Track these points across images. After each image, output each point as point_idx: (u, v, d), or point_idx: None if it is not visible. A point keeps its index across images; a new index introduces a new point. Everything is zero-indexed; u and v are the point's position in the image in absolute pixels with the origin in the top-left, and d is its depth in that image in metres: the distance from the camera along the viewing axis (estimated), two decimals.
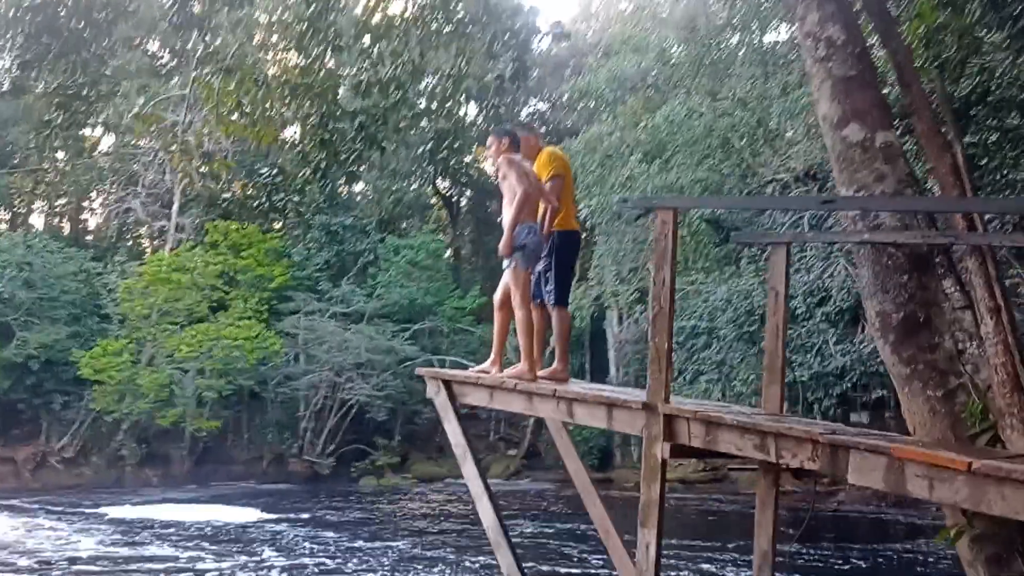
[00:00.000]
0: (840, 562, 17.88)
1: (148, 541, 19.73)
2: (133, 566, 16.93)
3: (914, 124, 6.05)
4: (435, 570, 16.91)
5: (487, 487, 5.69)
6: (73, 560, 17.21)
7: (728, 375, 20.45)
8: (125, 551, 18.53)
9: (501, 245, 5.55)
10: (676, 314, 5.38)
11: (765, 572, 5.10)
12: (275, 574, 16.27)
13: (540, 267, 5.88)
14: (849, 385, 19.82)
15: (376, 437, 32.91)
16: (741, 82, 21.42)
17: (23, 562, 16.54)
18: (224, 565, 17.03)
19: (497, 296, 6.03)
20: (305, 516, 23.93)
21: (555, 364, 5.98)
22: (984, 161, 8.88)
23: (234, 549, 18.92)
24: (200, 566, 17.07)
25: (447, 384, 6.00)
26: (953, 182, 5.62)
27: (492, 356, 6.15)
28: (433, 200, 43.91)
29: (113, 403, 28.60)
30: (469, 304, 35.44)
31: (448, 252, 41.38)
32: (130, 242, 37.16)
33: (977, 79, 8.40)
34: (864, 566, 17.69)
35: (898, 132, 5.88)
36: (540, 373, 5.83)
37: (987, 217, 6.34)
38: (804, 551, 18.43)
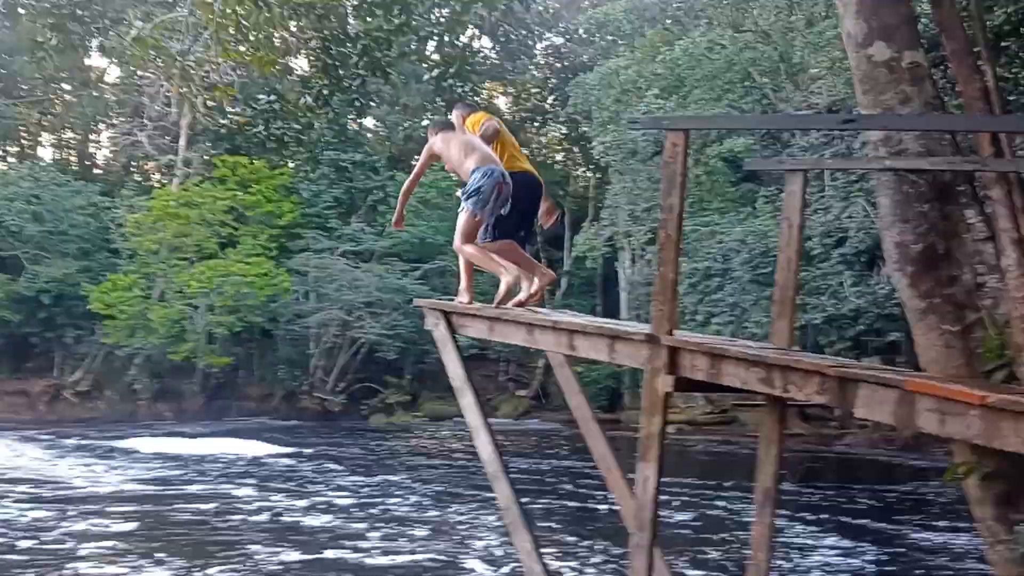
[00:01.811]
0: (844, 501, 17.91)
1: (162, 473, 19.98)
2: (147, 496, 17.15)
3: (943, 44, 5.70)
4: (441, 504, 17.00)
5: (485, 420, 5.55)
6: (90, 492, 17.45)
7: (741, 318, 20.21)
8: (139, 483, 18.79)
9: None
10: (689, 255, 5.19)
11: (767, 510, 4.90)
12: (285, 505, 16.40)
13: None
14: (863, 327, 19.54)
15: (386, 376, 33.03)
16: (765, 13, 20.71)
17: (45, 492, 16.75)
18: (236, 495, 17.25)
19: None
20: (315, 451, 24.13)
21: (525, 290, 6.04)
22: (1012, 98, 8.48)
23: (246, 481, 19.12)
24: (212, 497, 17.26)
25: (446, 316, 5.80)
26: (982, 108, 5.30)
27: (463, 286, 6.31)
28: None
29: (125, 338, 28.75)
30: None
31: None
32: (138, 176, 36.97)
33: (1012, 7, 7.96)
34: (868, 506, 17.70)
35: (926, 52, 5.53)
36: (515, 300, 5.95)
37: (1017, 142, 5.99)
38: (807, 491, 18.44)
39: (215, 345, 30.15)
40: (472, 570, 12.36)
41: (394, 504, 16.94)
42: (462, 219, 5.96)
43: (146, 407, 30.53)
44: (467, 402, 5.61)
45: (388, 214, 34.03)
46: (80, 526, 13.96)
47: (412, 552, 13.11)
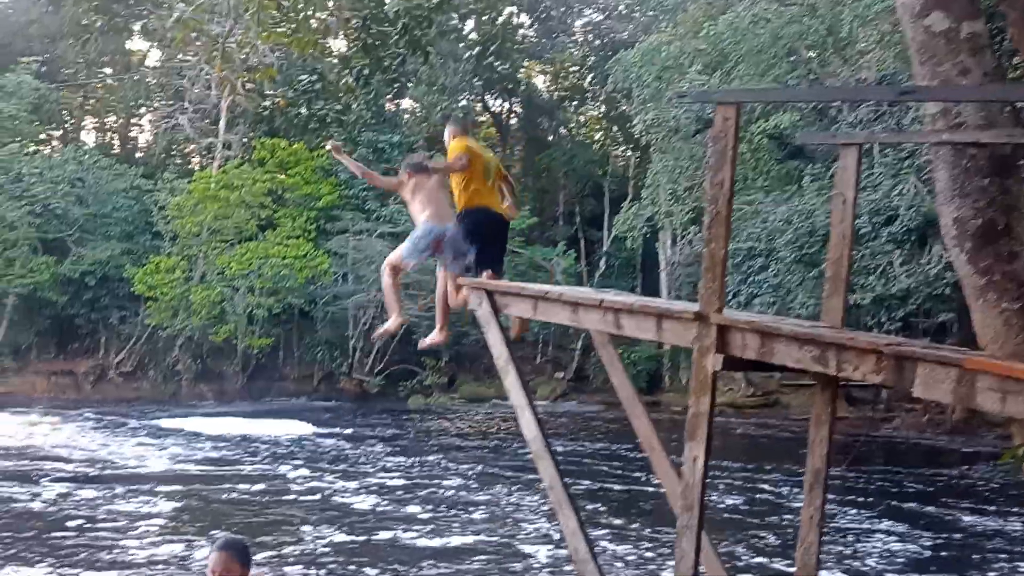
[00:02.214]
0: (892, 486, 17.62)
1: (208, 453, 20.26)
2: (195, 477, 17.38)
3: (1003, 13, 5.48)
4: (486, 485, 17.02)
5: (529, 399, 5.49)
6: (138, 471, 17.74)
7: (785, 299, 19.86)
8: (186, 463, 19.04)
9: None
10: (732, 236, 5.02)
11: (817, 492, 4.77)
12: (332, 486, 16.48)
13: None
14: (912, 308, 19.09)
15: (424, 357, 33.12)
16: None
17: (93, 472, 17.02)
18: (284, 475, 17.41)
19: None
20: (355, 432, 24.32)
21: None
22: None
23: (292, 462, 19.31)
24: (259, 477, 17.46)
25: (489, 295, 5.75)
26: None
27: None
28: (482, 117, 43.10)
29: (167, 319, 29.17)
30: (518, 224, 34.95)
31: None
32: (179, 159, 37.38)
33: None
34: (917, 491, 17.40)
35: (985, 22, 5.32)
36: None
37: None
38: (855, 476, 18.18)
39: (255, 326, 30.48)
40: (524, 551, 12.34)
41: (440, 485, 16.93)
42: (395, 253, 6.76)
43: (188, 388, 30.99)
44: (511, 381, 5.55)
45: None
46: (129, 506, 14.07)
47: (463, 533, 13.04)
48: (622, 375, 5.82)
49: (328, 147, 7.44)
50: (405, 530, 13.10)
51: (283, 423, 24.95)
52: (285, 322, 32.02)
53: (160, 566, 10.82)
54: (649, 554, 12.58)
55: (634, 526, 14.25)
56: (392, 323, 6.85)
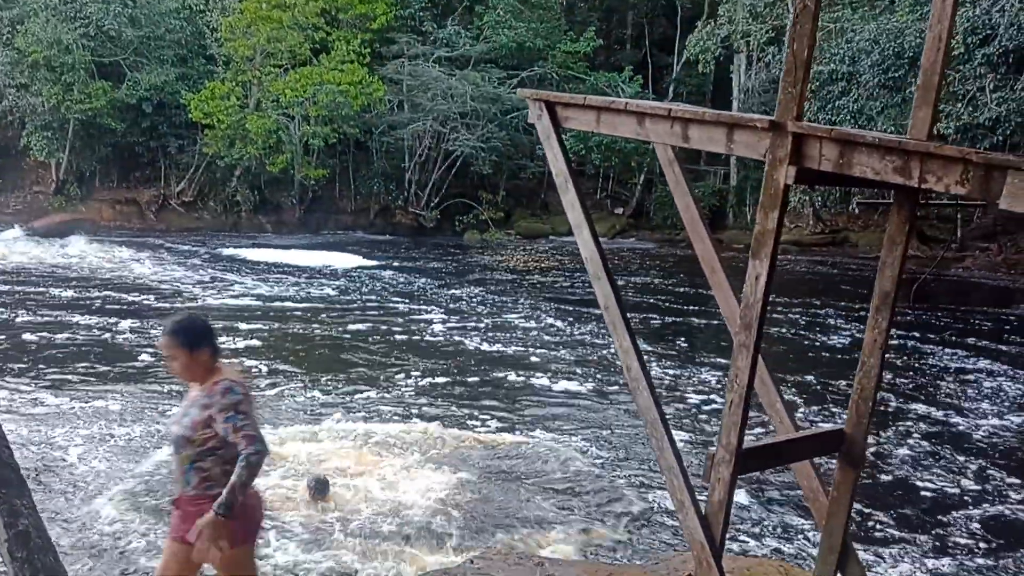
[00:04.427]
0: (959, 323, 17.06)
1: (259, 276, 20.56)
2: (270, 311, 17.54)
3: None
4: (532, 315, 16.85)
5: (588, 216, 5.13)
6: (212, 303, 17.99)
7: (865, 127, 18.55)
8: (238, 282, 19.40)
9: None
10: (813, 56, 4.37)
11: (883, 314, 4.37)
12: (412, 321, 16.24)
13: None
14: (1000, 139, 17.65)
15: (480, 191, 32.63)
16: None
17: (167, 305, 16.83)
18: (353, 309, 17.30)
19: None
20: (409, 264, 24.31)
21: None
22: None
23: (343, 289, 19.43)
24: (307, 301, 17.55)
25: (550, 106, 5.20)
26: None
27: None
28: None
29: (224, 148, 29.03)
30: (583, 48, 33.30)
31: None
32: None
33: None
34: (983, 327, 16.81)
35: None
36: None
37: None
38: (921, 312, 17.56)
39: (311, 157, 30.22)
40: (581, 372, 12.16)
41: (520, 321, 16.50)
42: None
43: (247, 218, 31.20)
44: (570, 198, 5.18)
45: (485, 16, 32.51)
46: None
47: (570, 380, 12.23)
48: (687, 196, 5.37)
49: None
50: (503, 368, 12.56)
51: (337, 255, 25.05)
52: (341, 153, 31.66)
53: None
54: (704, 376, 12.34)
55: (688, 354, 14.04)
56: None
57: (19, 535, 2.44)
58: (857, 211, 27.17)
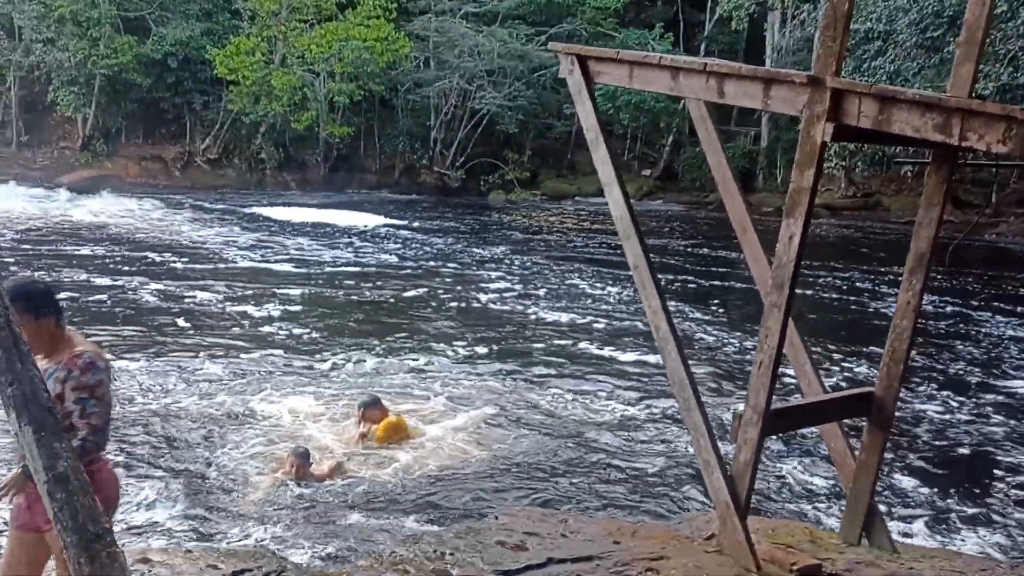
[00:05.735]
0: (992, 289, 16.78)
1: (288, 236, 20.56)
2: (272, 254, 17.68)
3: None
4: (558, 275, 16.75)
5: (618, 175, 5.03)
6: (224, 248, 18.08)
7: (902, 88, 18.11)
8: (267, 242, 19.37)
9: None
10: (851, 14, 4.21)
11: (918, 276, 4.34)
12: (394, 266, 16.41)
13: None
14: None
15: (506, 151, 32.36)
16: None
17: (198, 267, 16.32)
18: (355, 256, 17.43)
19: None
20: (432, 225, 24.17)
21: None
22: None
23: (366, 247, 19.41)
24: (331, 258, 17.53)
25: (582, 60, 5.06)
26: None
27: None
28: None
29: (249, 104, 28.94)
30: (612, 3, 32.69)
31: None
32: None
33: None
34: (1017, 294, 16.53)
35: None
36: None
37: None
38: (955, 277, 17.29)
39: (336, 114, 30.06)
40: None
41: (513, 274, 16.67)
42: None
43: (272, 176, 31.20)
44: (601, 155, 5.11)
45: None
46: (241, 306, 12.90)
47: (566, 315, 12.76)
48: (719, 153, 5.23)
49: None
50: (522, 324, 12.63)
51: (361, 215, 24.90)
52: (366, 111, 31.48)
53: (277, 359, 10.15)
54: (731, 339, 12.22)
55: (717, 316, 13.91)
56: None
57: (58, 477, 2.48)
58: (891, 174, 26.67)
